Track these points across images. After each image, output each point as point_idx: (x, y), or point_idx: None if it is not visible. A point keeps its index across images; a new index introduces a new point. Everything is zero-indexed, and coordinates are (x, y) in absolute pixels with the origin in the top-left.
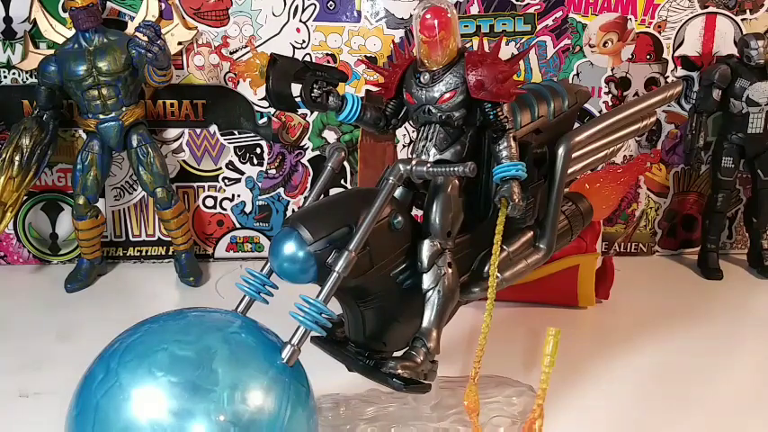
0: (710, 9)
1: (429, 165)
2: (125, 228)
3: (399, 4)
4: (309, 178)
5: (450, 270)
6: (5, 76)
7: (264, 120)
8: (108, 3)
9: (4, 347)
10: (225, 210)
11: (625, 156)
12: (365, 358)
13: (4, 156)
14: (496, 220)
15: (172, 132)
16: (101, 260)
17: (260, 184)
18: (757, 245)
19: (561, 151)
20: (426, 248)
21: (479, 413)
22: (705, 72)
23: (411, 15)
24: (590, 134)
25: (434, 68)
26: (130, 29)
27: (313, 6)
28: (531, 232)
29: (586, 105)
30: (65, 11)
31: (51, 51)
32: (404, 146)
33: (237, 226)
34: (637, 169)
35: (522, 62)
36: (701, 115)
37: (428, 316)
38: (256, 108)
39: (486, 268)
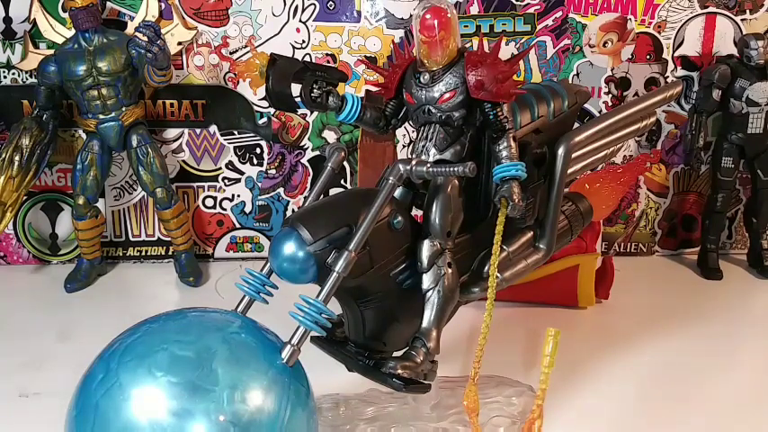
0: (710, 9)
1: (429, 165)
2: (125, 228)
3: (399, 4)
4: (309, 178)
5: (449, 270)
6: (5, 76)
7: (264, 120)
8: (108, 3)
9: (4, 347)
10: (225, 210)
11: (625, 156)
12: (365, 358)
13: (3, 156)
14: (496, 220)
15: (172, 132)
16: (100, 260)
17: (260, 184)
18: (757, 245)
19: (561, 151)
20: (426, 248)
21: (479, 413)
22: (705, 72)
23: (411, 15)
24: (590, 134)
25: (434, 68)
26: (130, 29)
27: (313, 6)
28: (531, 232)
29: (586, 105)
30: (65, 11)
31: (51, 51)
32: (404, 146)
33: (237, 226)
34: (637, 169)
35: (522, 62)
36: (700, 115)
37: (428, 316)
38: (256, 108)
39: (486, 268)
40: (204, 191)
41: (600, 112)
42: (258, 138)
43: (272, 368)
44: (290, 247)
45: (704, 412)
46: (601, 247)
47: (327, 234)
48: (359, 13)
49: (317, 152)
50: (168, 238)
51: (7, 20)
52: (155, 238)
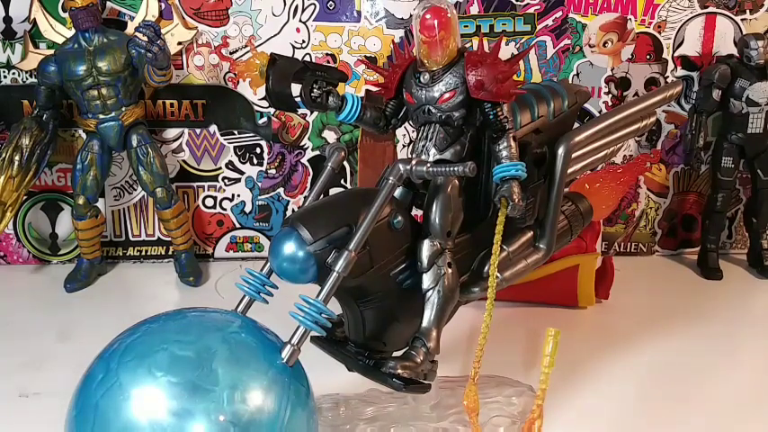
0: (710, 9)
1: (429, 165)
2: (125, 228)
3: (399, 4)
4: (309, 178)
5: (449, 270)
6: (5, 76)
7: (264, 120)
8: (108, 3)
9: (4, 347)
10: (225, 210)
11: (625, 156)
12: (365, 358)
13: (3, 155)
14: (496, 220)
15: (172, 132)
16: (100, 260)
17: (260, 184)
18: (757, 245)
19: (561, 151)
20: (426, 248)
21: (479, 413)
22: (705, 72)
23: (411, 15)
24: (590, 134)
25: (434, 68)
26: (130, 29)
27: (313, 6)
28: (531, 232)
29: (586, 105)
30: (65, 11)
31: (51, 51)
32: (404, 146)
33: (237, 226)
34: (637, 169)
35: (522, 62)
36: (700, 115)
37: (428, 316)
38: (256, 108)
39: (486, 268)
40: (204, 191)
41: (600, 112)
42: (258, 138)
43: (272, 368)
44: (290, 247)
45: (704, 412)
46: (601, 247)
47: (327, 234)
48: (359, 13)
49: (317, 152)
50: (168, 238)
51: (7, 20)
52: (155, 238)
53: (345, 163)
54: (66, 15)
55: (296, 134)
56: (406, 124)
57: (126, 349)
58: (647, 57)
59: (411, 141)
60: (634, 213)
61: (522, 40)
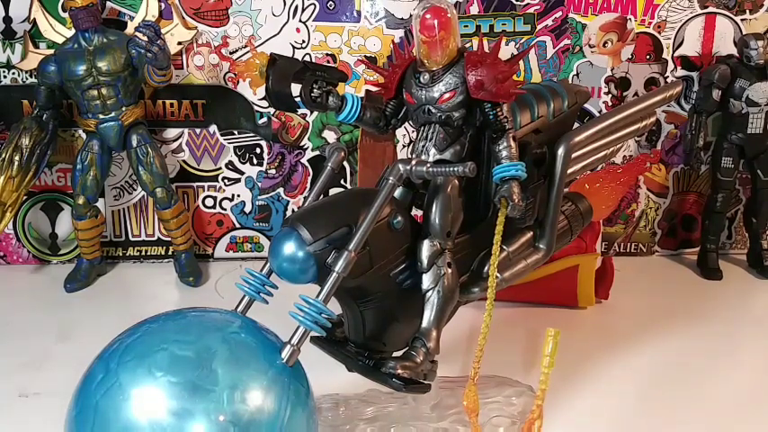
0: (710, 9)
1: (429, 165)
2: (125, 228)
3: (399, 4)
4: (309, 178)
5: (449, 270)
6: (5, 76)
7: (264, 120)
8: (108, 3)
9: (4, 347)
10: (224, 210)
11: (625, 156)
12: (365, 358)
13: (3, 156)
14: (496, 220)
15: (171, 132)
16: (100, 260)
17: (260, 184)
18: (757, 245)
19: (561, 151)
20: (426, 248)
21: (479, 413)
22: (705, 72)
23: (411, 15)
24: (590, 134)
25: (434, 68)
26: (130, 29)
27: (313, 6)
28: (531, 232)
29: (586, 105)
30: (65, 11)
31: (51, 51)
32: (404, 146)
33: (237, 226)
34: (636, 169)
35: (522, 62)
36: (700, 115)
37: (428, 316)
38: (256, 108)
39: (486, 268)
40: (204, 191)
41: (600, 112)
42: (258, 138)
43: (271, 368)
44: (289, 247)
45: (704, 412)
46: (601, 247)
47: (327, 234)
48: (359, 13)
49: (317, 152)
50: (168, 238)
51: (7, 20)
52: (155, 238)
53: (345, 163)
54: (66, 15)
55: (296, 134)
56: (406, 124)
57: (126, 349)
58: (647, 57)
59: (411, 141)
60: (634, 213)
61: (522, 40)
